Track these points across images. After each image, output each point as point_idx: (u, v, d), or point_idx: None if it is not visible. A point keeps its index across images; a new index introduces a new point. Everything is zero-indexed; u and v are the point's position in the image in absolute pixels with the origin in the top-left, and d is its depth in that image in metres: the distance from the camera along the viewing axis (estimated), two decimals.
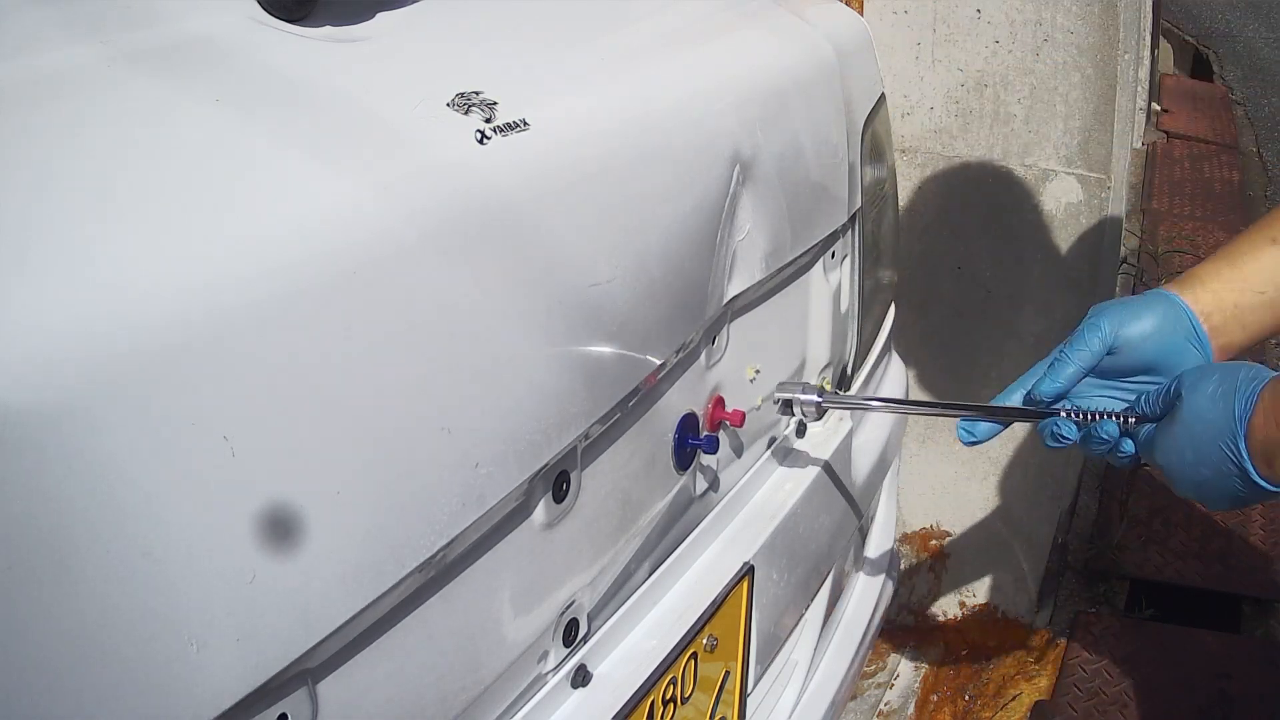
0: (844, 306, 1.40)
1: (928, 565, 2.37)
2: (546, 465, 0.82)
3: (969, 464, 2.29)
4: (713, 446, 1.09)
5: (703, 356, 1.09)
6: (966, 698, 2.15)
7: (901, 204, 2.12)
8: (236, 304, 0.59)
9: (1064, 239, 2.15)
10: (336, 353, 0.65)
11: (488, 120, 0.79)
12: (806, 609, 1.37)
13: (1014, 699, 2.05)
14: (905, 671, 2.27)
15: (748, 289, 1.10)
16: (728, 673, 1.13)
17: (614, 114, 0.92)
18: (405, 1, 0.86)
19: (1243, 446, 0.90)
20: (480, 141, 0.77)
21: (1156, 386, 0.99)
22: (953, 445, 2.24)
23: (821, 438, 1.37)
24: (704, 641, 1.07)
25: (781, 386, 1.19)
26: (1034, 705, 2.00)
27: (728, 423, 1.13)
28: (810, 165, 1.21)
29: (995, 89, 2.11)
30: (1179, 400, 0.95)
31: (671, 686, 1.03)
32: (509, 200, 0.78)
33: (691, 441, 1.08)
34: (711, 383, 1.12)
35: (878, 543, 1.65)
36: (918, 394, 2.15)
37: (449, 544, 0.73)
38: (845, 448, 1.39)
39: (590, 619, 0.97)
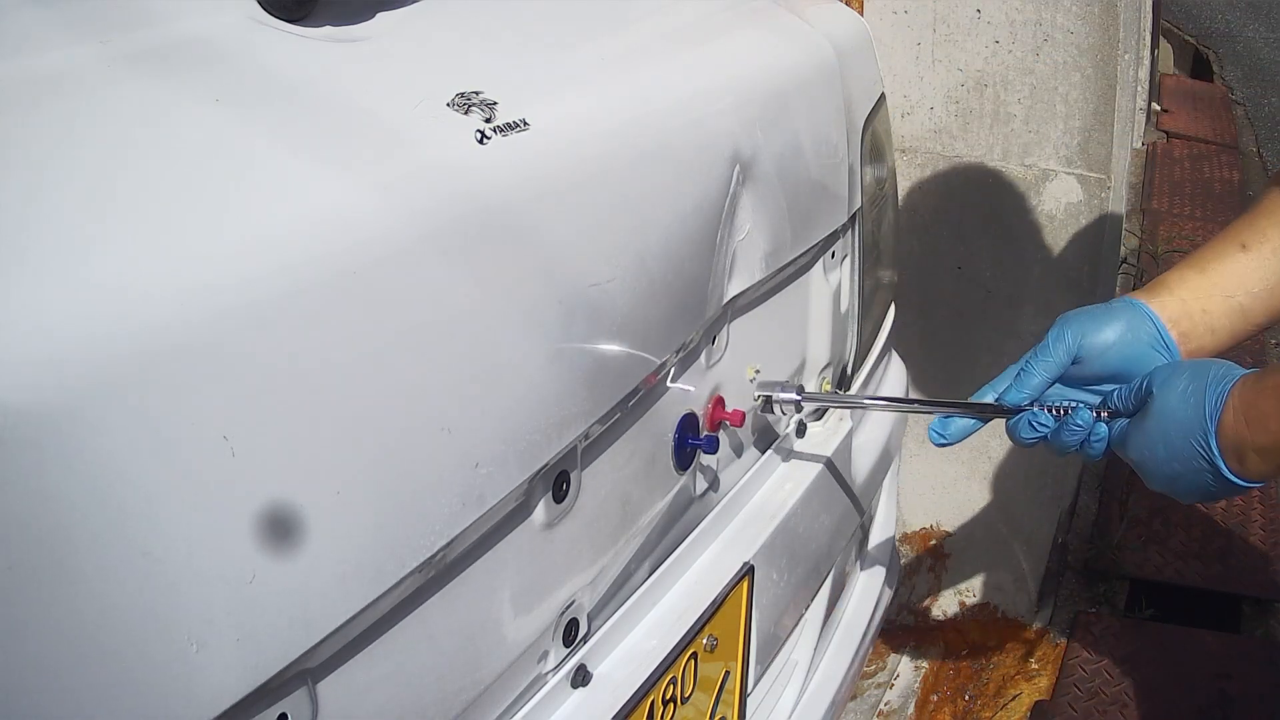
0: (844, 306, 1.40)
1: (928, 565, 2.36)
2: (546, 465, 0.82)
3: (969, 464, 2.29)
4: (713, 446, 1.09)
5: (703, 356, 1.09)
6: (966, 698, 2.15)
7: (901, 204, 2.12)
8: (237, 304, 0.59)
9: (1064, 239, 2.15)
10: (336, 353, 0.65)
11: (488, 120, 0.79)
12: (806, 609, 1.37)
13: (1014, 699, 2.05)
14: (905, 671, 2.27)
15: (748, 289, 1.10)
16: (728, 673, 1.13)
17: (614, 114, 0.92)
18: (405, 1, 0.86)
19: (1214, 444, 0.91)
20: (480, 141, 0.77)
21: (1127, 384, 1.00)
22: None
23: (822, 437, 1.37)
24: (704, 641, 1.07)
25: (762, 385, 1.19)
26: (1034, 705, 2.00)
27: (728, 423, 1.13)
28: (810, 165, 1.21)
29: (995, 89, 2.11)
30: (1150, 397, 0.96)
31: (671, 686, 1.03)
32: (509, 200, 0.78)
33: (691, 441, 1.08)
34: (711, 383, 1.12)
35: (878, 542, 1.65)
36: (917, 394, 2.15)
37: (449, 544, 0.73)
38: (845, 447, 1.39)
39: (590, 619, 0.97)
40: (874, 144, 1.41)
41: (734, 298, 1.09)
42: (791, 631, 1.34)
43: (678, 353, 1.02)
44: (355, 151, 0.71)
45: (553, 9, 1.02)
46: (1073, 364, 1.05)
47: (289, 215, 0.64)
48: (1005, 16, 2.07)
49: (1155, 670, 2.05)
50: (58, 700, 0.53)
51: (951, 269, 2.20)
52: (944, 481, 2.32)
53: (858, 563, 1.62)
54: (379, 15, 0.83)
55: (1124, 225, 2.45)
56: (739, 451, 1.22)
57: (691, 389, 1.08)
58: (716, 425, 1.12)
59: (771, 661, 1.28)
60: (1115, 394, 1.01)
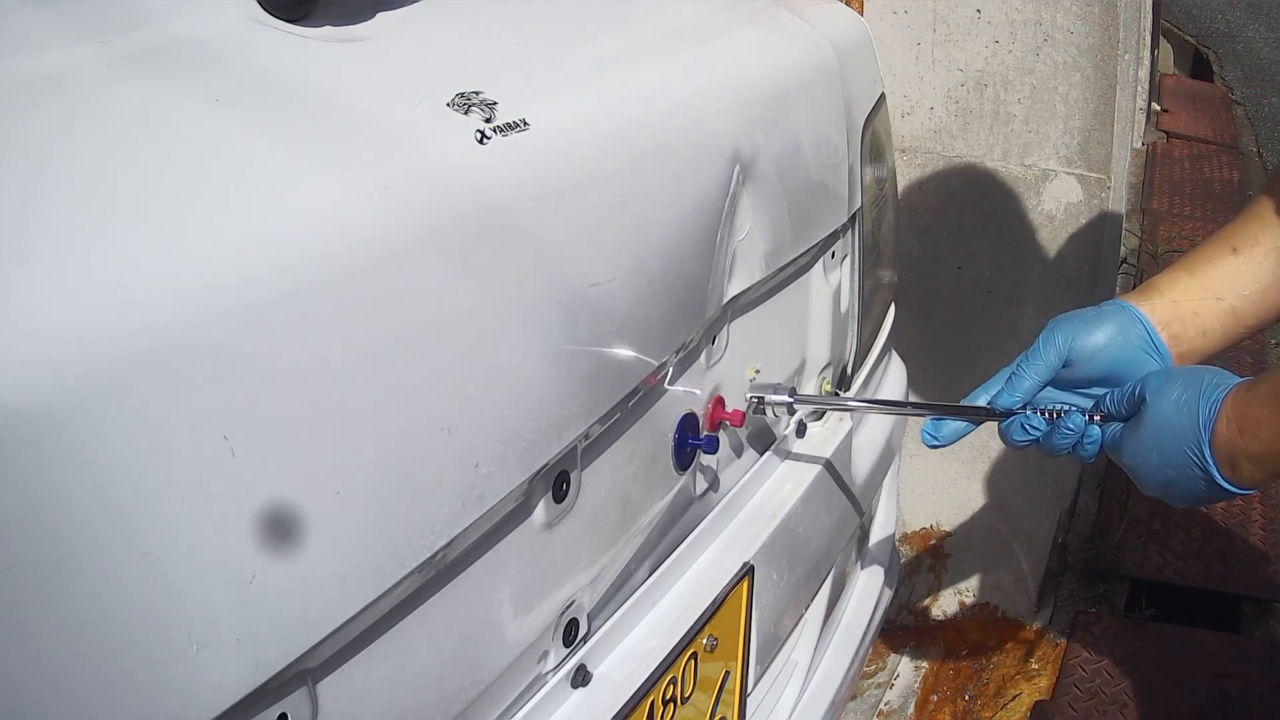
0: (844, 306, 1.40)
1: (928, 565, 2.36)
2: (546, 465, 0.82)
3: (969, 464, 2.29)
4: (713, 446, 1.09)
5: (703, 356, 1.09)
6: (966, 698, 2.15)
7: (901, 204, 2.12)
8: (237, 304, 0.59)
9: (1064, 239, 2.15)
10: (337, 353, 0.65)
11: (488, 120, 0.79)
12: (806, 609, 1.37)
13: (1014, 699, 2.05)
14: (905, 671, 2.27)
15: (748, 289, 1.10)
16: (728, 673, 1.13)
17: (614, 114, 0.92)
18: (405, 1, 0.86)
19: (1207, 452, 0.92)
20: (480, 141, 0.77)
21: (1119, 388, 1.00)
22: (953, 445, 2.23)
23: (822, 437, 1.37)
24: (704, 641, 1.07)
25: (755, 387, 1.20)
26: (1034, 705, 2.00)
27: (728, 423, 1.13)
28: (810, 165, 1.21)
29: (995, 89, 2.11)
30: (1144, 404, 0.96)
31: (671, 686, 1.03)
32: (509, 200, 0.78)
33: (691, 441, 1.08)
34: (711, 383, 1.12)
35: (878, 542, 1.65)
36: (917, 394, 2.15)
37: (449, 544, 0.73)
38: (845, 447, 1.39)
39: (590, 619, 0.97)
40: (874, 144, 1.41)
41: (734, 298, 1.09)
42: (791, 631, 1.34)
43: (678, 353, 1.02)
44: (355, 151, 0.71)
45: (553, 9, 1.02)
46: (1064, 367, 1.06)
47: (289, 215, 0.64)
48: (1005, 16, 2.07)
49: (1155, 670, 2.05)
50: (58, 700, 0.53)
51: (951, 269, 2.20)
52: (944, 481, 2.32)
53: (858, 563, 1.62)
54: (379, 15, 0.83)
55: (1124, 225, 2.45)
56: (739, 451, 1.22)
57: (692, 389, 1.08)
58: (716, 425, 1.12)
59: (771, 661, 1.28)
60: (1107, 398, 1.01)
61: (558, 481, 0.88)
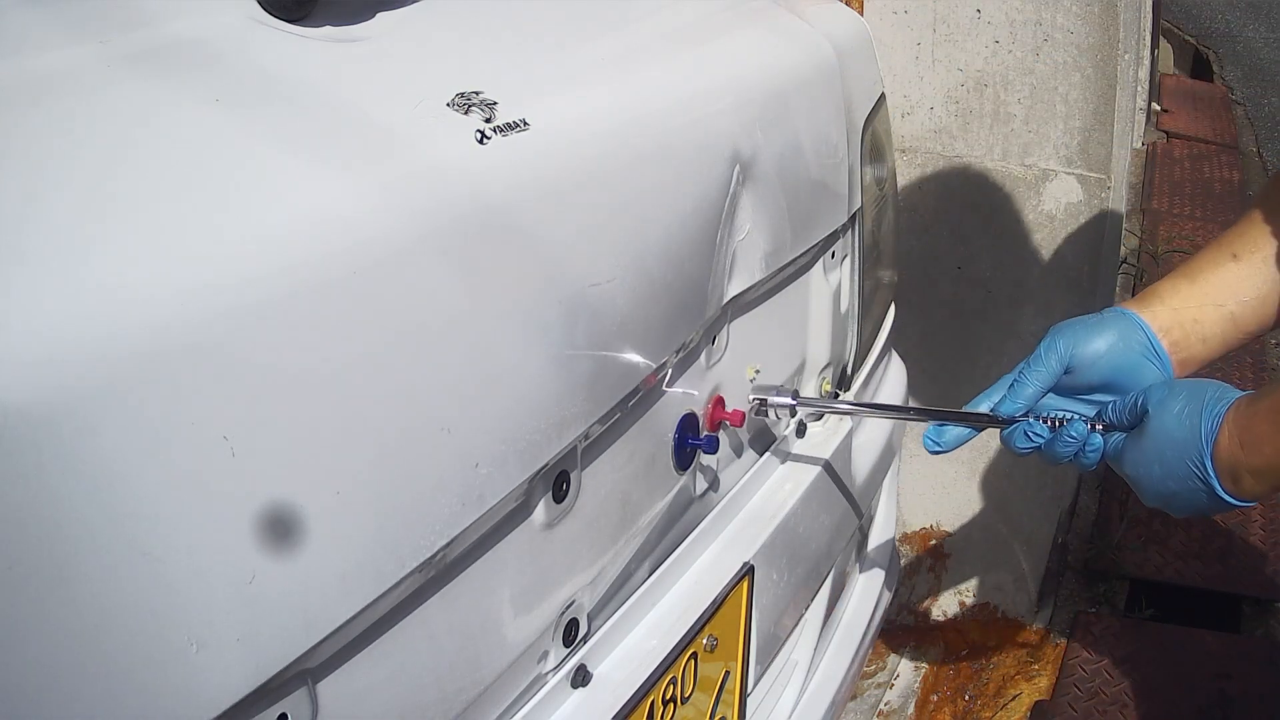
0: (844, 306, 1.40)
1: (928, 565, 2.36)
2: (546, 465, 0.82)
3: (969, 464, 2.29)
4: (713, 446, 1.09)
5: (703, 356, 1.09)
6: (966, 698, 2.15)
7: (901, 204, 2.12)
8: (237, 304, 0.59)
9: (1064, 239, 2.15)
10: (337, 353, 0.65)
11: (488, 120, 0.79)
12: (806, 609, 1.37)
13: (1014, 699, 2.05)
14: (905, 671, 2.27)
15: (748, 289, 1.10)
16: (728, 673, 1.13)
17: (614, 114, 0.92)
18: (405, 1, 0.85)
19: (1210, 465, 0.93)
20: (480, 141, 0.77)
21: (1121, 398, 1.01)
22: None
23: (822, 437, 1.37)
24: (704, 641, 1.07)
25: (757, 389, 1.20)
26: (1034, 705, 2.00)
27: (728, 423, 1.13)
28: (810, 165, 1.21)
29: (995, 89, 2.11)
30: (1146, 416, 0.97)
31: (671, 686, 1.03)
32: (509, 200, 0.78)
33: (691, 441, 1.08)
34: (711, 383, 1.12)
35: (878, 543, 1.65)
36: (917, 394, 2.15)
37: (449, 544, 0.73)
38: (845, 447, 1.39)
39: (590, 619, 0.97)
40: (874, 144, 1.41)
41: (734, 298, 1.09)
42: (791, 631, 1.34)
43: (678, 353, 1.02)
44: (355, 151, 0.71)
45: (553, 9, 1.02)
46: (1065, 374, 1.06)
47: (289, 215, 0.64)
48: (1005, 16, 2.07)
49: (1155, 670, 2.05)
50: (58, 700, 0.53)
51: (951, 269, 2.20)
52: (944, 481, 2.32)
53: (858, 563, 1.62)
54: (379, 15, 0.83)
55: (1124, 225, 2.45)
56: (739, 451, 1.22)
57: (692, 389, 1.08)
58: (716, 425, 1.12)
59: (771, 661, 1.28)
60: (1110, 407, 1.02)
61: (558, 481, 0.88)
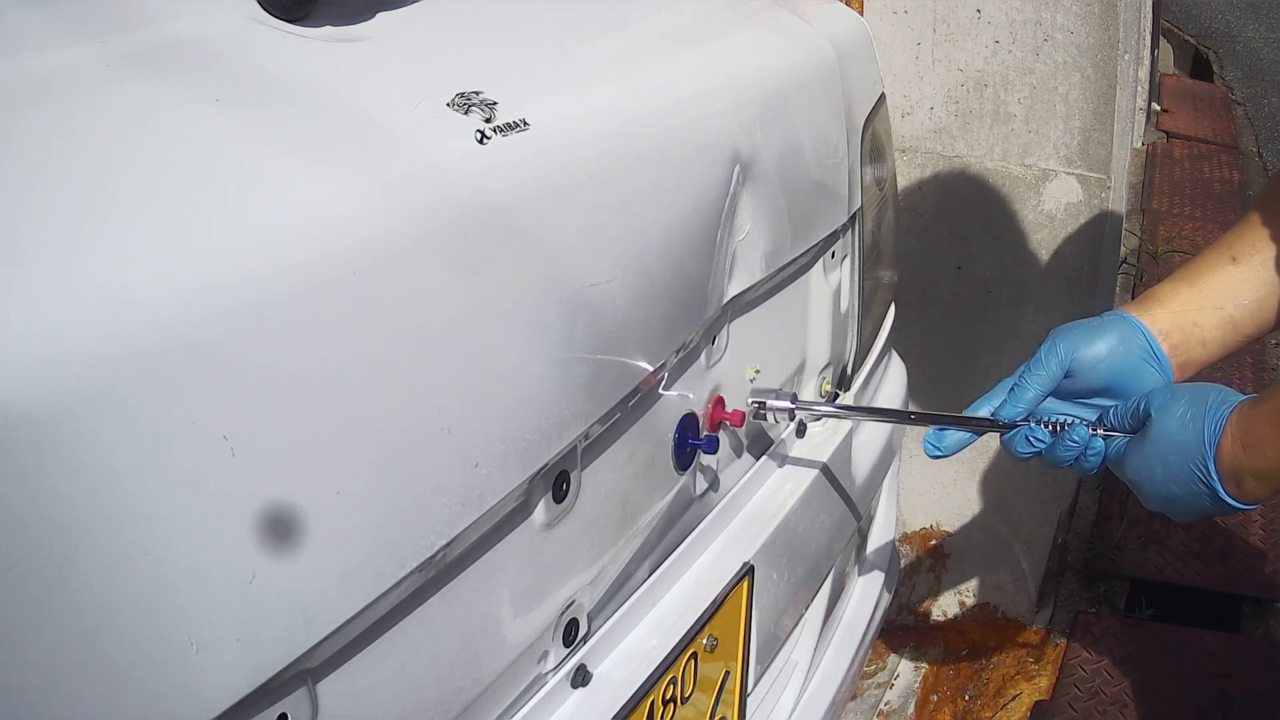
0: (844, 306, 1.40)
1: (928, 565, 2.36)
2: (546, 465, 0.82)
3: (969, 464, 2.29)
4: (713, 446, 1.09)
5: (703, 356, 1.09)
6: (966, 698, 2.15)
7: (901, 204, 2.12)
8: (237, 304, 0.59)
9: (1064, 239, 2.15)
10: (337, 353, 0.65)
11: (488, 120, 0.79)
12: (806, 609, 1.37)
13: (1014, 699, 2.05)
14: (905, 671, 2.27)
15: (748, 289, 1.10)
16: (728, 673, 1.13)
17: (614, 114, 0.92)
18: (405, 1, 0.85)
19: (1213, 469, 0.93)
20: (480, 141, 0.77)
21: (1123, 403, 1.01)
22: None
23: (821, 438, 1.37)
24: (704, 641, 1.07)
25: (756, 392, 1.20)
26: (1034, 705, 2.00)
27: (728, 423, 1.13)
28: (810, 165, 1.21)
29: (995, 89, 2.11)
30: (1149, 420, 0.97)
31: (671, 686, 1.03)
32: (509, 200, 0.78)
33: (691, 441, 1.08)
34: (711, 383, 1.12)
35: (878, 543, 1.65)
36: (917, 394, 2.15)
37: (449, 544, 0.73)
38: (845, 448, 1.39)
39: (590, 619, 0.97)
40: (874, 144, 1.41)
41: (734, 298, 1.09)
42: (791, 631, 1.34)
43: (678, 353, 1.02)
44: (355, 151, 0.71)
45: (553, 9, 1.02)
46: (1065, 377, 1.06)
47: (289, 215, 0.64)
48: (1005, 16, 2.07)
49: (1155, 670, 2.05)
50: (58, 700, 0.53)
51: (951, 269, 2.20)
52: (944, 481, 2.32)
53: (858, 563, 1.62)
54: (379, 15, 0.83)
55: (1124, 225, 2.45)
56: (739, 452, 1.22)
57: (692, 390, 1.08)
58: (716, 425, 1.12)
59: (771, 661, 1.28)
60: (1112, 411, 1.02)
61: (558, 481, 0.88)
